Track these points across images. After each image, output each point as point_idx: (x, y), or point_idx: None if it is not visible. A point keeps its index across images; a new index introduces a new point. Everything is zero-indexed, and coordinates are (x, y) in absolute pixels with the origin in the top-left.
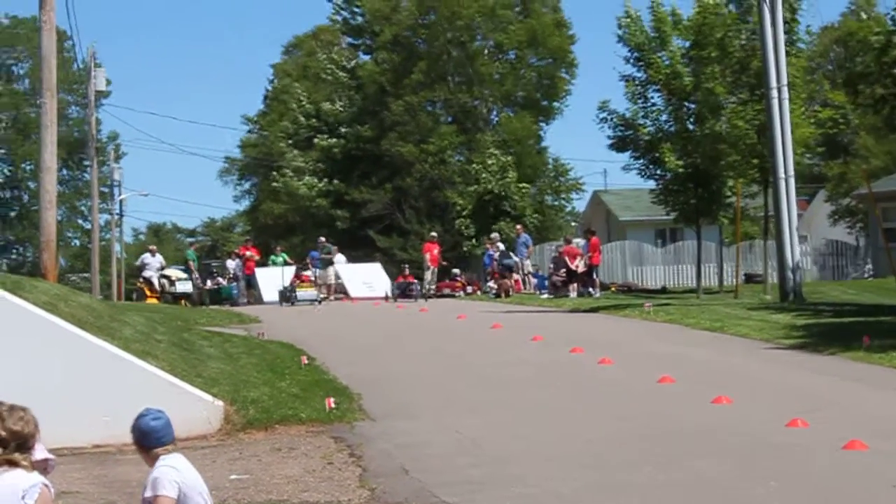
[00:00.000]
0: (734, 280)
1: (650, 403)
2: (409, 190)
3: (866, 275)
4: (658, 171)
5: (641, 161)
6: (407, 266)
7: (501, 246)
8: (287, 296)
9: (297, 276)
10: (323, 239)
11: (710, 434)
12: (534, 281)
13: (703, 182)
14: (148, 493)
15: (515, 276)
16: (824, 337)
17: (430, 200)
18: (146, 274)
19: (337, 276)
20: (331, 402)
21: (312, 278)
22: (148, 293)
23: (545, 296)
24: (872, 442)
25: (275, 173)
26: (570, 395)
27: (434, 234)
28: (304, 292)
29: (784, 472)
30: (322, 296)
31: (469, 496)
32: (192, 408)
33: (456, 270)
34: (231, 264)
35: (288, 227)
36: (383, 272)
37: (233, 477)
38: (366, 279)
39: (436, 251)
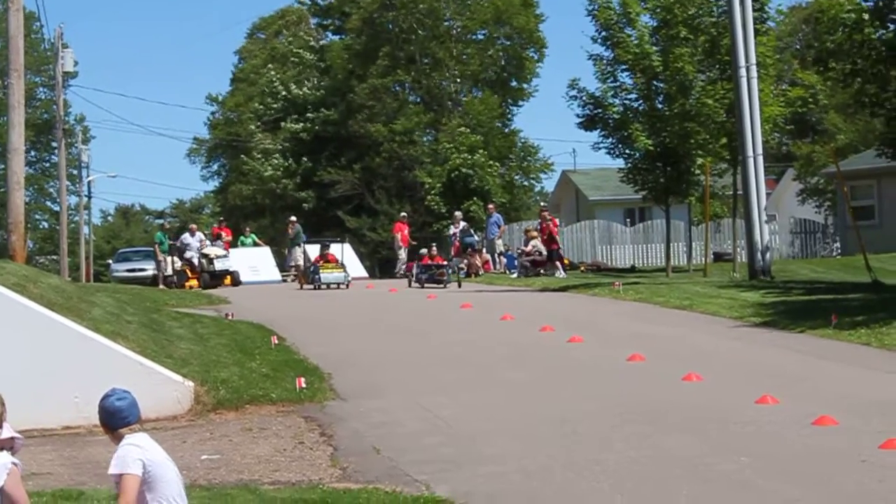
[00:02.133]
0: (703, 259)
1: (620, 381)
2: (378, 170)
3: (834, 253)
4: (627, 150)
5: (610, 140)
6: (434, 245)
7: (463, 223)
8: (310, 277)
9: (322, 255)
10: (293, 219)
11: (680, 411)
12: (504, 260)
13: (672, 161)
14: (113, 471)
15: (486, 255)
16: (793, 315)
17: (399, 180)
18: (188, 255)
19: (306, 258)
20: (301, 381)
21: (339, 258)
22: (189, 275)
23: (514, 275)
24: (841, 417)
25: (243, 156)
26: (541, 373)
27: (404, 214)
28: (330, 274)
29: (754, 448)
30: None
31: (440, 474)
32: (163, 388)
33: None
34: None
35: (257, 208)
36: (352, 252)
37: (204, 457)
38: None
39: (406, 231)
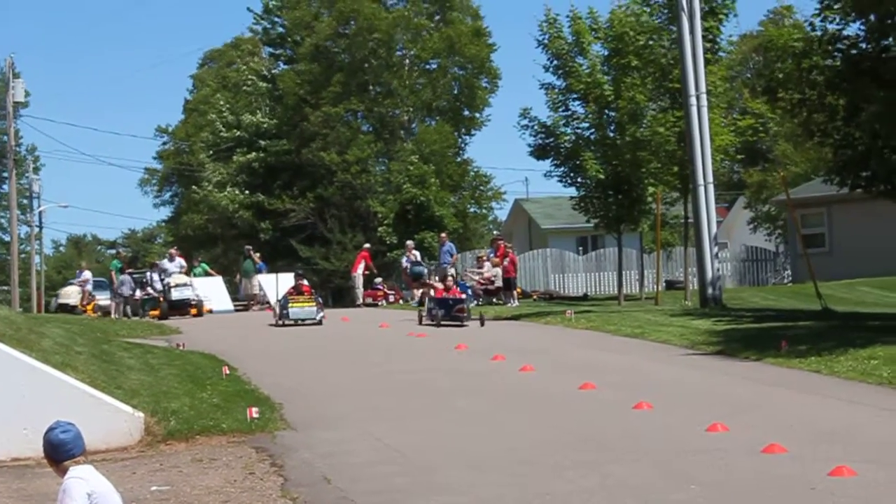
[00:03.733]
0: (655, 287)
1: (572, 410)
2: (331, 199)
3: (785, 280)
4: (579, 179)
5: (562, 169)
6: (453, 271)
7: (416, 254)
8: (279, 311)
9: (295, 286)
10: (249, 247)
11: (631, 440)
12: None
13: (623, 189)
14: None
15: (439, 284)
16: (744, 342)
17: (351, 210)
18: (164, 280)
19: (260, 287)
20: (252, 412)
21: (312, 291)
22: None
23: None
24: (791, 445)
25: (195, 186)
26: (493, 402)
27: (368, 245)
28: (301, 309)
29: (705, 477)
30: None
31: None
32: (113, 419)
33: (378, 279)
34: (154, 275)
35: (209, 237)
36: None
37: (153, 488)
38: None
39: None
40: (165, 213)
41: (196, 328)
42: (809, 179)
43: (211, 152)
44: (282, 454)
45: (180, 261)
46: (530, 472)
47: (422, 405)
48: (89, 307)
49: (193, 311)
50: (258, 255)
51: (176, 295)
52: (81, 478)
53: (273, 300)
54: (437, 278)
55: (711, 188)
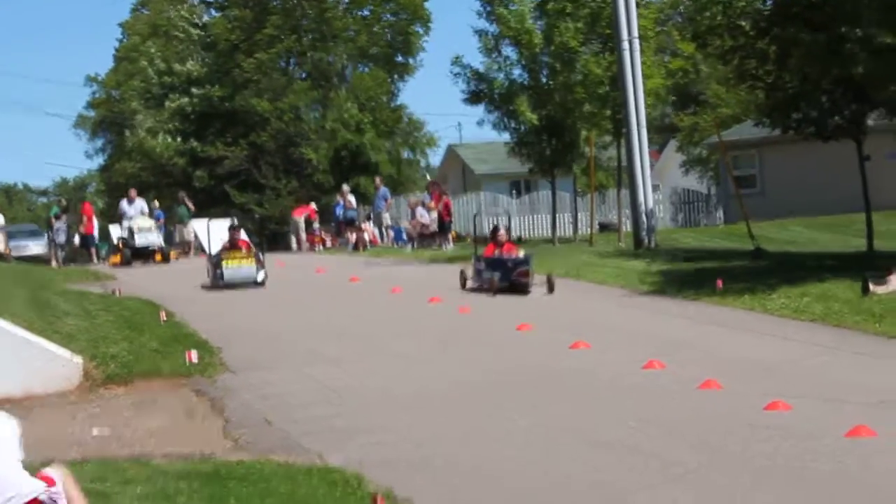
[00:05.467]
0: (589, 229)
1: (509, 350)
2: (265, 146)
3: (718, 222)
4: (513, 124)
5: (496, 114)
6: (501, 226)
7: (352, 199)
8: (212, 272)
9: (230, 240)
10: (183, 194)
11: (568, 378)
12: (391, 234)
13: (557, 133)
14: None
15: (373, 228)
16: (678, 282)
17: (286, 156)
18: (124, 224)
19: (195, 233)
20: (191, 355)
21: (251, 245)
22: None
23: (407, 248)
24: (727, 381)
25: (128, 132)
26: (430, 344)
27: (314, 204)
28: (237, 269)
29: (642, 413)
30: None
31: (333, 444)
32: (51, 364)
33: (316, 225)
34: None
35: (143, 185)
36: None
37: (95, 432)
38: (222, 234)
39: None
40: (98, 161)
41: (132, 275)
42: (741, 121)
43: (143, 100)
44: (222, 397)
45: (141, 202)
46: (468, 411)
47: (359, 347)
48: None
49: (158, 257)
50: (192, 202)
51: (140, 241)
52: None
53: (206, 247)
54: (370, 222)
55: (644, 131)
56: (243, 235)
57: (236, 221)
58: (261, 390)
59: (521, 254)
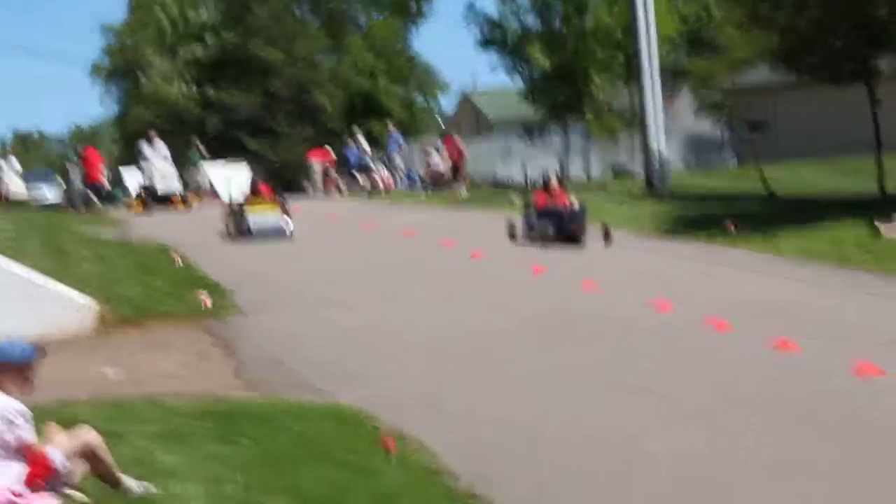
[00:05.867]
0: (601, 174)
1: (523, 293)
2: (279, 93)
3: (730, 165)
4: (526, 70)
5: (509, 60)
6: (553, 175)
7: (364, 143)
8: (236, 222)
9: (253, 187)
10: (196, 139)
11: (582, 320)
12: (406, 179)
13: (569, 79)
14: None
15: (386, 173)
16: (690, 225)
17: (299, 103)
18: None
19: (208, 177)
20: (204, 297)
21: (280, 195)
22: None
23: (421, 193)
24: (738, 321)
25: (143, 80)
26: (444, 288)
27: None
28: (263, 217)
29: (655, 355)
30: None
31: (345, 386)
32: (66, 308)
33: (332, 171)
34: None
35: (158, 132)
36: (248, 171)
37: (109, 373)
38: (235, 180)
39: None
40: (113, 110)
41: (146, 221)
42: (754, 66)
43: (157, 48)
44: (234, 338)
45: (162, 146)
46: (484, 354)
47: (372, 291)
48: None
49: (180, 203)
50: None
51: (161, 187)
52: None
53: (221, 192)
54: (384, 168)
55: (657, 75)
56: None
57: (256, 177)
58: (273, 332)
59: (576, 204)
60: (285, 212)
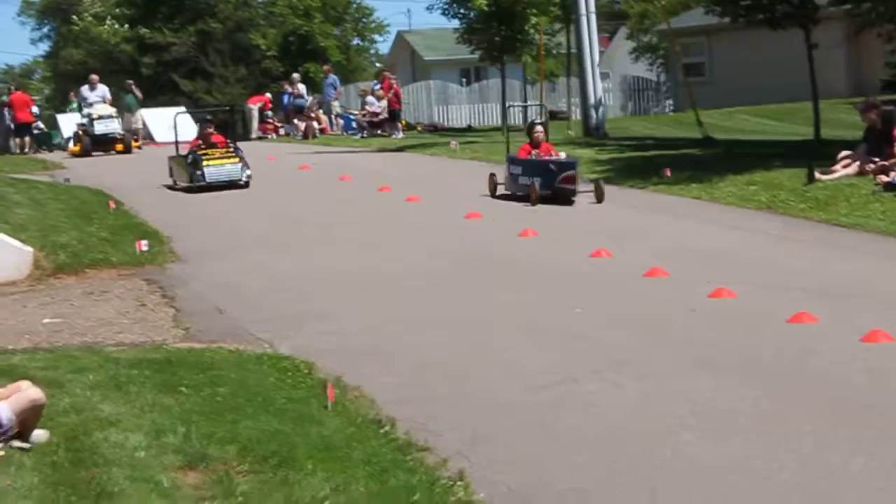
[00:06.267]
0: (539, 117)
1: (458, 238)
2: (213, 32)
3: (667, 110)
4: (462, 10)
5: (445, 0)
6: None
7: (302, 87)
8: (189, 171)
9: (202, 136)
10: (131, 82)
11: (517, 266)
12: (341, 122)
13: (506, 20)
14: None
15: (323, 116)
16: (627, 170)
17: (234, 42)
18: (84, 112)
19: (143, 122)
20: (141, 244)
21: (230, 142)
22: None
23: (357, 136)
24: (673, 268)
25: (74, 17)
26: (380, 231)
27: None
28: (218, 167)
29: (589, 299)
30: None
31: (283, 332)
32: (1, 254)
33: (267, 112)
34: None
35: (89, 72)
36: (190, 117)
37: (46, 321)
38: (171, 123)
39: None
40: (43, 48)
41: (81, 164)
42: (690, 8)
43: None
44: (172, 285)
45: (103, 88)
46: (418, 297)
47: (308, 235)
48: None
49: (119, 146)
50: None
51: (100, 128)
52: None
53: (159, 136)
54: (320, 111)
55: (594, 18)
56: (214, 130)
57: (209, 117)
58: (211, 279)
59: (563, 154)
60: (242, 161)
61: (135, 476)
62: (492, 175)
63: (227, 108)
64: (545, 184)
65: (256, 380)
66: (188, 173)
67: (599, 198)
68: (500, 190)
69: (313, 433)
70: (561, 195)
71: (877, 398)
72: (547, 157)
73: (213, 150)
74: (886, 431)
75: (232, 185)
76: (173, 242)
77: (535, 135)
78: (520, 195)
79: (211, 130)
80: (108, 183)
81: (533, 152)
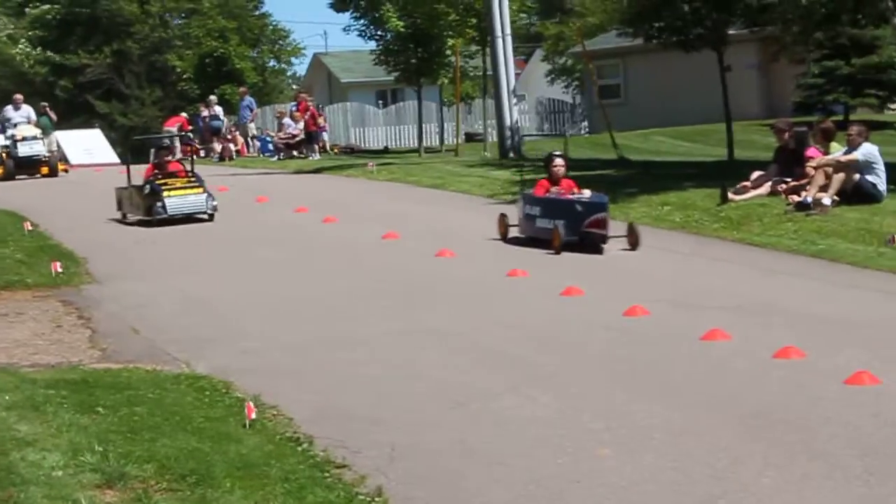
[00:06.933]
0: (455, 139)
1: (376, 259)
2: (129, 53)
3: (583, 132)
4: (379, 32)
5: (362, 21)
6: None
7: (218, 109)
8: (147, 203)
9: (158, 164)
10: (45, 104)
11: (435, 286)
12: (258, 144)
13: (423, 42)
14: None
15: (240, 137)
16: None
17: (150, 64)
18: (9, 133)
19: (58, 144)
20: (57, 266)
21: (189, 171)
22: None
23: (274, 158)
24: (588, 287)
25: None
26: (296, 253)
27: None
28: (181, 199)
29: (506, 319)
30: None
31: (198, 352)
32: None
33: (188, 134)
34: None
35: (2, 94)
36: (104, 138)
37: None
38: (86, 146)
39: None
40: None
41: (5, 188)
42: (605, 31)
43: (2, 6)
44: (88, 307)
45: (27, 108)
46: (334, 318)
47: (224, 256)
48: None
49: (44, 169)
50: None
51: (24, 150)
52: None
53: (74, 158)
54: (237, 133)
55: (510, 40)
56: (172, 157)
57: (166, 143)
58: (127, 300)
59: (587, 192)
60: (204, 188)
61: (53, 495)
62: (502, 216)
63: (183, 134)
64: (570, 227)
65: (174, 399)
66: (145, 206)
67: (633, 244)
68: (513, 232)
69: (231, 451)
70: (589, 241)
71: (788, 413)
72: (570, 196)
73: (173, 179)
74: (796, 446)
75: (192, 218)
76: (89, 263)
77: (555, 169)
78: (539, 238)
79: (168, 158)
80: (28, 205)
81: (553, 189)
